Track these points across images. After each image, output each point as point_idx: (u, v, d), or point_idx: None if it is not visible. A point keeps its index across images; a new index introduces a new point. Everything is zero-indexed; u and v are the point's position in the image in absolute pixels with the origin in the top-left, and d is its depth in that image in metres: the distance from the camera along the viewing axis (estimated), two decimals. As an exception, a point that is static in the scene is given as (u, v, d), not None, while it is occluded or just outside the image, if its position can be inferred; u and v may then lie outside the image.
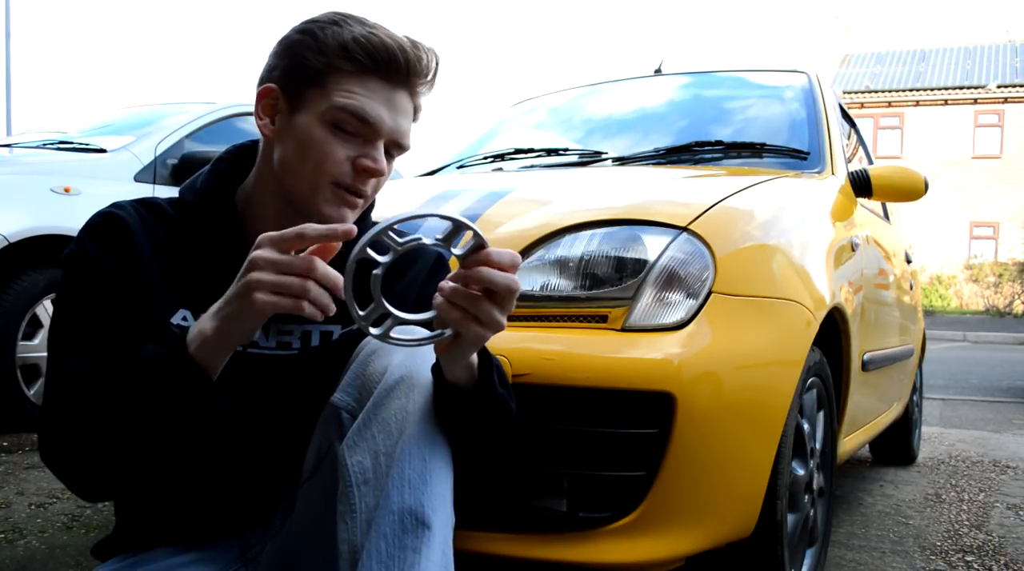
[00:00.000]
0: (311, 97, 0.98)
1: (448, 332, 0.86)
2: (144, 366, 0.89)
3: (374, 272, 0.82)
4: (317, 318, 0.83)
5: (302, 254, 0.83)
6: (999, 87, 21.59)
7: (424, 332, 0.89)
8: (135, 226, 1.00)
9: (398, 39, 0.99)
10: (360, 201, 1.02)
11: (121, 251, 0.99)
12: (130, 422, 0.89)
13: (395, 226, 0.81)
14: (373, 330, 0.85)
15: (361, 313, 0.83)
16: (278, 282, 0.81)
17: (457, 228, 0.83)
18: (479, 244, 0.83)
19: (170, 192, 3.48)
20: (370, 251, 0.81)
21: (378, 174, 1.00)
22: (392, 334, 0.86)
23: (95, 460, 0.93)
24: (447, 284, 0.84)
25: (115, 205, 1.03)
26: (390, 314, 0.85)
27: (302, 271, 0.81)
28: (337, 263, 0.85)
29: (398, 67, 0.98)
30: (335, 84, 0.97)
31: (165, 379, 0.87)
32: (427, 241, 0.83)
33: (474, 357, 0.92)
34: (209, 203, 1.04)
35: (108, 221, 1.00)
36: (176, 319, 1.00)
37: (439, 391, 0.94)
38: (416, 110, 1.05)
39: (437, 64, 1.03)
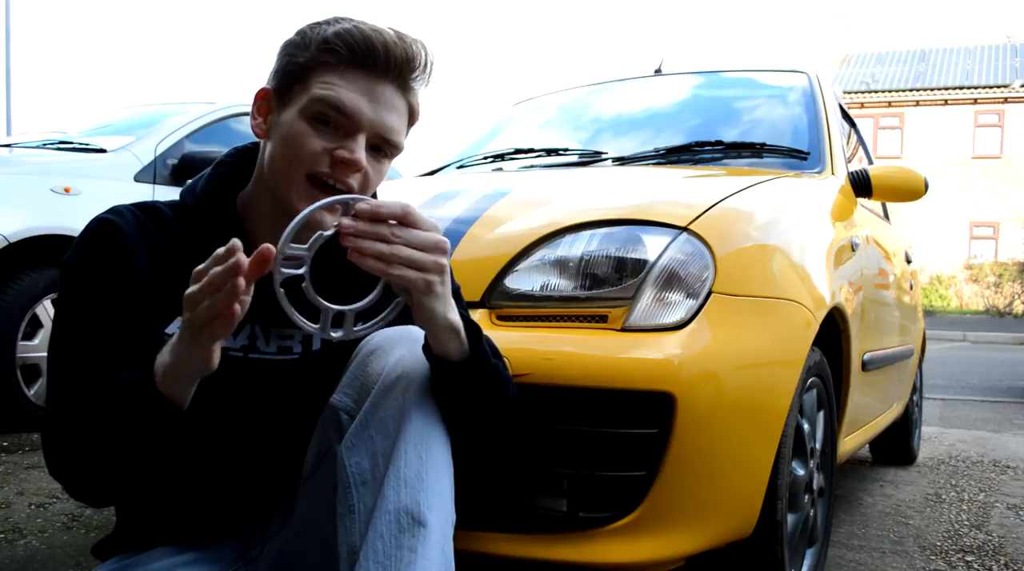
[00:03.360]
0: (296, 93, 0.98)
1: (399, 299, 0.89)
2: (117, 391, 0.89)
3: (303, 285, 0.85)
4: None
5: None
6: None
7: (380, 312, 0.91)
8: (131, 232, 1.00)
9: (381, 31, 0.98)
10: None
11: (115, 258, 0.98)
12: (113, 440, 0.89)
13: (291, 239, 0.83)
14: (335, 334, 0.87)
15: (315, 325, 0.86)
16: (211, 305, 0.80)
17: (345, 206, 0.86)
18: (356, 201, 0.85)
19: (170, 192, 3.49)
20: (287, 271, 0.83)
21: (355, 165, 0.97)
22: (355, 329, 0.88)
23: (94, 470, 0.93)
24: (350, 242, 0.84)
25: (113, 210, 1.02)
26: (343, 312, 0.88)
27: (221, 284, 0.79)
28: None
29: (377, 58, 0.97)
30: (316, 77, 0.97)
31: (135, 408, 0.88)
32: (326, 233, 0.85)
33: (461, 330, 0.93)
34: (209, 207, 1.03)
35: (103, 228, 1.00)
36: (172, 328, 1.00)
37: (434, 371, 0.94)
38: (412, 111, 1.03)
39: (427, 58, 1.01)
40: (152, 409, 0.87)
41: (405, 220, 0.85)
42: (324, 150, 0.97)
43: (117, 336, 0.97)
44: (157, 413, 0.87)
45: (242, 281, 0.79)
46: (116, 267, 0.98)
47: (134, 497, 1.04)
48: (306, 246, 0.83)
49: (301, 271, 0.84)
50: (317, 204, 0.85)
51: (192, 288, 0.82)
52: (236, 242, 0.80)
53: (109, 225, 1.00)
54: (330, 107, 0.96)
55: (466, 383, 0.95)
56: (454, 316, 0.92)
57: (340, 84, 0.96)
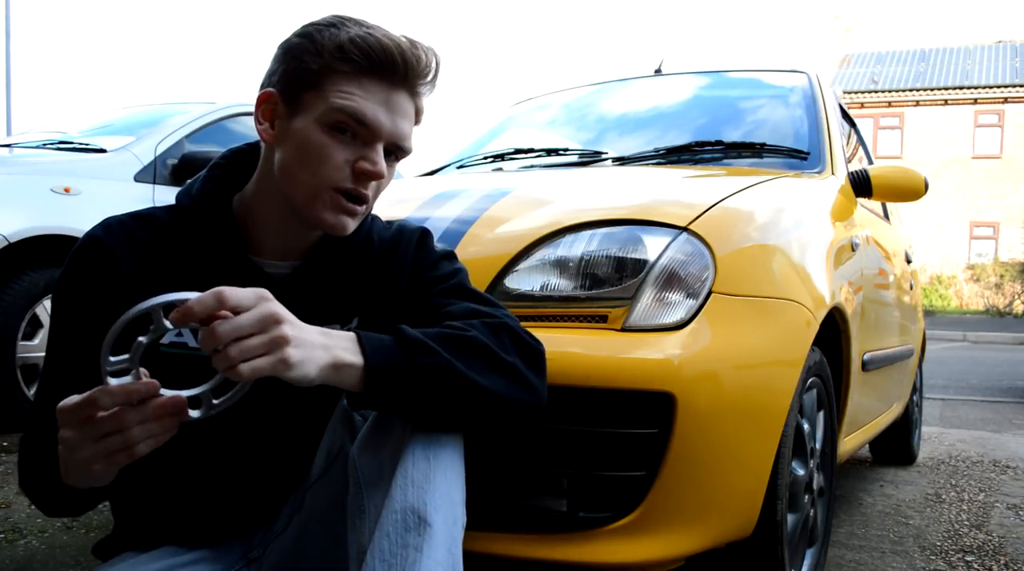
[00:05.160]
0: (309, 100, 0.96)
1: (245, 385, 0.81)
2: (37, 462, 0.94)
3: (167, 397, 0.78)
4: (162, 443, 0.80)
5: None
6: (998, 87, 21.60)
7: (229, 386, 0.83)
8: (119, 249, 1.00)
9: (396, 39, 0.97)
10: (361, 208, 1.00)
11: (102, 279, 0.99)
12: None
13: (109, 352, 0.77)
14: (195, 414, 0.81)
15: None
16: (101, 449, 0.78)
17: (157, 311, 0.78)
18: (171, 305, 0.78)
19: (170, 192, 3.48)
20: (115, 381, 0.77)
21: (377, 176, 0.98)
22: (215, 402, 0.82)
23: (51, 487, 0.94)
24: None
25: (104, 225, 1.02)
26: (195, 395, 0.81)
27: (113, 430, 0.77)
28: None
29: (395, 67, 0.97)
30: (332, 86, 0.95)
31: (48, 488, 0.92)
32: (143, 340, 0.78)
33: (346, 360, 0.86)
34: (205, 209, 1.02)
35: (91, 247, 1.00)
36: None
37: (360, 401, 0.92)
38: (418, 112, 1.04)
39: (437, 64, 1.02)
40: (63, 493, 0.91)
41: (224, 306, 0.77)
42: (346, 162, 0.97)
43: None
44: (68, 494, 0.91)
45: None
46: (103, 288, 0.98)
47: (132, 498, 1.04)
48: (127, 357, 0.78)
49: (129, 379, 0.78)
50: (123, 320, 0.77)
51: (77, 433, 0.79)
52: (178, 399, 0.79)
53: (96, 244, 1.00)
54: (350, 117, 0.95)
55: (392, 396, 0.89)
56: (330, 354, 0.85)
57: (358, 94, 0.96)
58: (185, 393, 0.80)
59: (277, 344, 0.79)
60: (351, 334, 0.89)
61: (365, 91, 0.96)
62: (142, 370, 0.79)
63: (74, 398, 0.78)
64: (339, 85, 0.96)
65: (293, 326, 0.81)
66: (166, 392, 0.79)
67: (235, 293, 0.78)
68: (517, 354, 0.98)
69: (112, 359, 0.78)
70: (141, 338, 0.78)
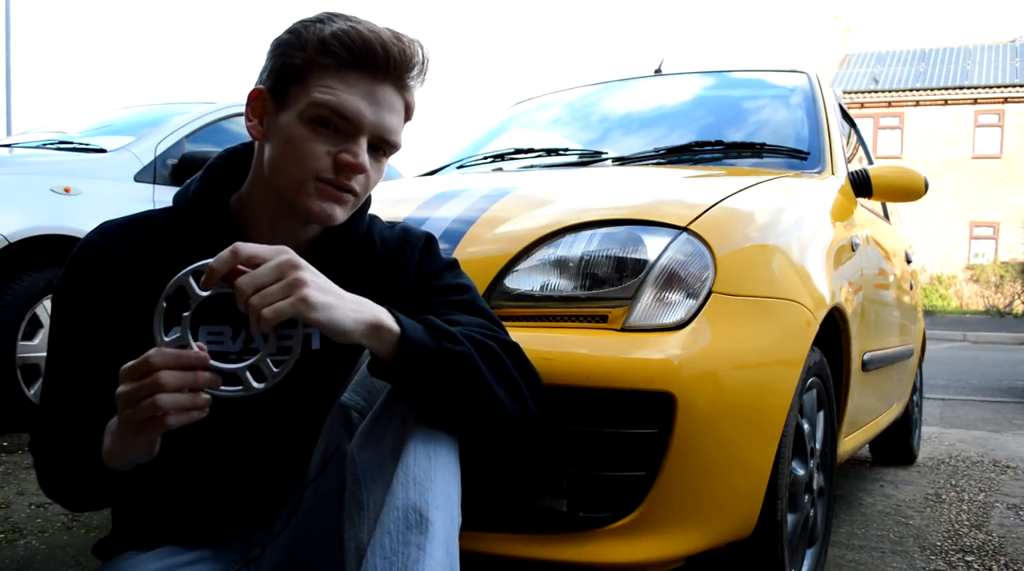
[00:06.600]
0: (294, 95, 0.97)
1: (297, 328, 0.87)
2: (58, 460, 0.98)
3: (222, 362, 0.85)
4: (193, 419, 0.84)
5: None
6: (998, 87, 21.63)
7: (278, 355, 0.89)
8: (116, 254, 1.00)
9: (379, 32, 0.97)
10: (348, 197, 1.00)
11: (100, 285, 0.99)
12: (90, 475, 0.96)
13: (198, 270, 0.85)
14: (259, 385, 0.88)
15: (237, 388, 0.87)
16: (137, 413, 0.83)
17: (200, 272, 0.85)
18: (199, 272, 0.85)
19: (170, 192, 3.48)
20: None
21: (359, 169, 0.97)
22: (275, 371, 0.88)
23: (82, 488, 0.98)
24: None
25: (101, 228, 1.03)
26: (253, 364, 0.87)
27: (150, 392, 0.82)
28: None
29: (377, 60, 0.97)
30: (315, 80, 0.96)
31: (95, 476, 0.94)
32: (187, 314, 0.85)
33: (384, 321, 0.89)
34: (202, 210, 1.03)
35: (88, 251, 1.00)
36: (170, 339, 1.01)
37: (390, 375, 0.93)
38: (409, 108, 1.03)
39: (424, 57, 1.01)
40: (108, 478, 0.94)
41: (245, 262, 0.84)
42: (327, 153, 0.97)
43: (105, 361, 0.98)
44: (114, 479, 0.94)
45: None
46: (101, 293, 0.99)
47: (133, 498, 1.05)
48: (178, 334, 0.84)
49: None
50: (163, 296, 0.85)
51: (129, 387, 0.83)
52: (204, 356, 0.84)
53: (93, 249, 1.00)
54: (331, 111, 0.95)
55: (418, 372, 0.91)
56: (368, 313, 0.88)
57: (340, 88, 0.96)
58: (228, 367, 0.86)
59: (294, 287, 0.83)
60: (384, 307, 0.92)
61: (347, 85, 0.96)
62: (196, 344, 0.84)
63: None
64: (321, 79, 0.96)
65: (314, 273, 0.85)
66: (215, 364, 0.85)
67: (251, 246, 0.84)
68: (522, 376, 1.00)
69: (166, 338, 0.84)
70: (185, 314, 0.84)
